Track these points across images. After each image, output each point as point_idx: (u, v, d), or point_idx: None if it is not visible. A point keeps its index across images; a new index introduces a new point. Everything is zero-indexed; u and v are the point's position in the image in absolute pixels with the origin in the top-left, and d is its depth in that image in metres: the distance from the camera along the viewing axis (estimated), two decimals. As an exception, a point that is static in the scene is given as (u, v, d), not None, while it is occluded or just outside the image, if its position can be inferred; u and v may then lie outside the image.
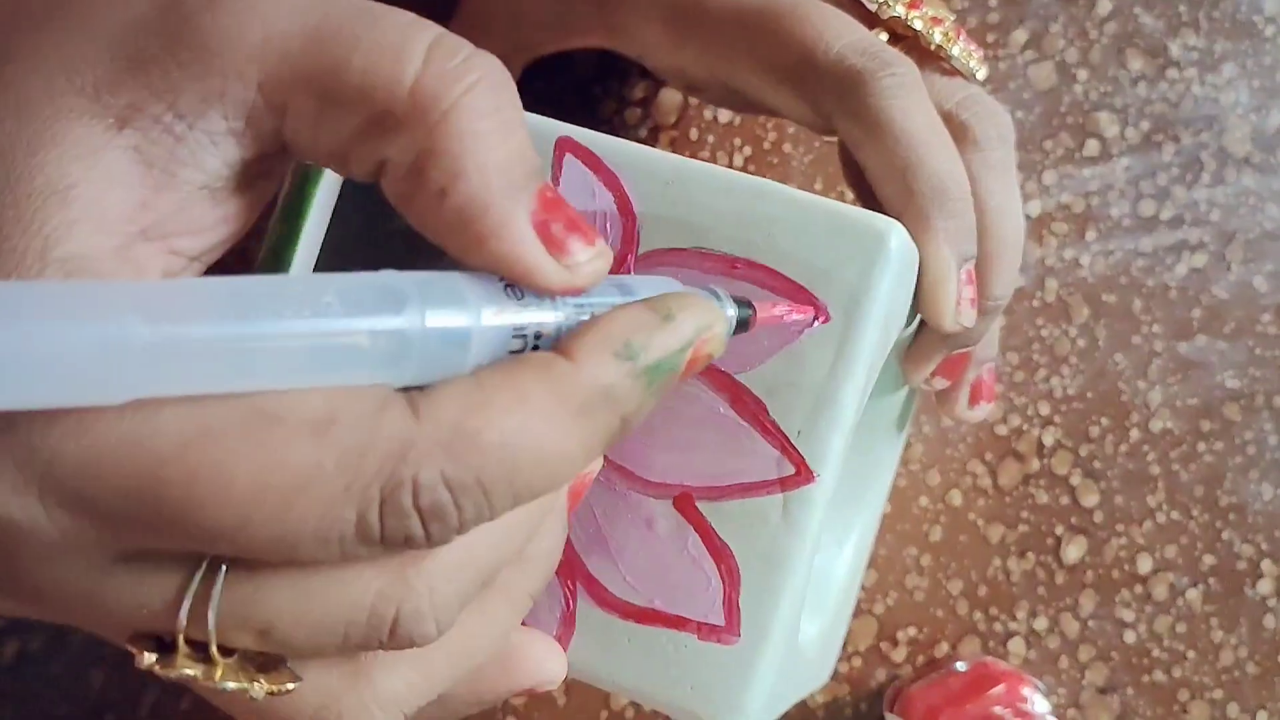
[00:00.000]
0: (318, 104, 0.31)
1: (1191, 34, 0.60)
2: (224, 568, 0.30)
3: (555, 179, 0.41)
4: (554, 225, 0.31)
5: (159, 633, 0.31)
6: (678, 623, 0.40)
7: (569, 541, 0.41)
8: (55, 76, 0.30)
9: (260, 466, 0.28)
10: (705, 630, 0.40)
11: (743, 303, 0.37)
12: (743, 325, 0.37)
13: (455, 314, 0.30)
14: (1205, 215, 0.61)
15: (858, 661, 0.60)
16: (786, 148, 0.60)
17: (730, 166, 0.60)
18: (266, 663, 0.32)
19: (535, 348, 0.32)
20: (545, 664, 0.39)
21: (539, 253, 0.31)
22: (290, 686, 0.32)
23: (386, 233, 0.51)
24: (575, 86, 0.59)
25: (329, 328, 0.28)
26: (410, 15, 0.32)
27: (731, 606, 0.39)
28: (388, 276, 0.30)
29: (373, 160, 0.32)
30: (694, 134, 0.60)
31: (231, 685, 0.31)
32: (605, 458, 0.40)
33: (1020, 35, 0.60)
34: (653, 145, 0.58)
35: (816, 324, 0.39)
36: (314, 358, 0.28)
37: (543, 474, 0.30)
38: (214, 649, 0.31)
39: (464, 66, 0.31)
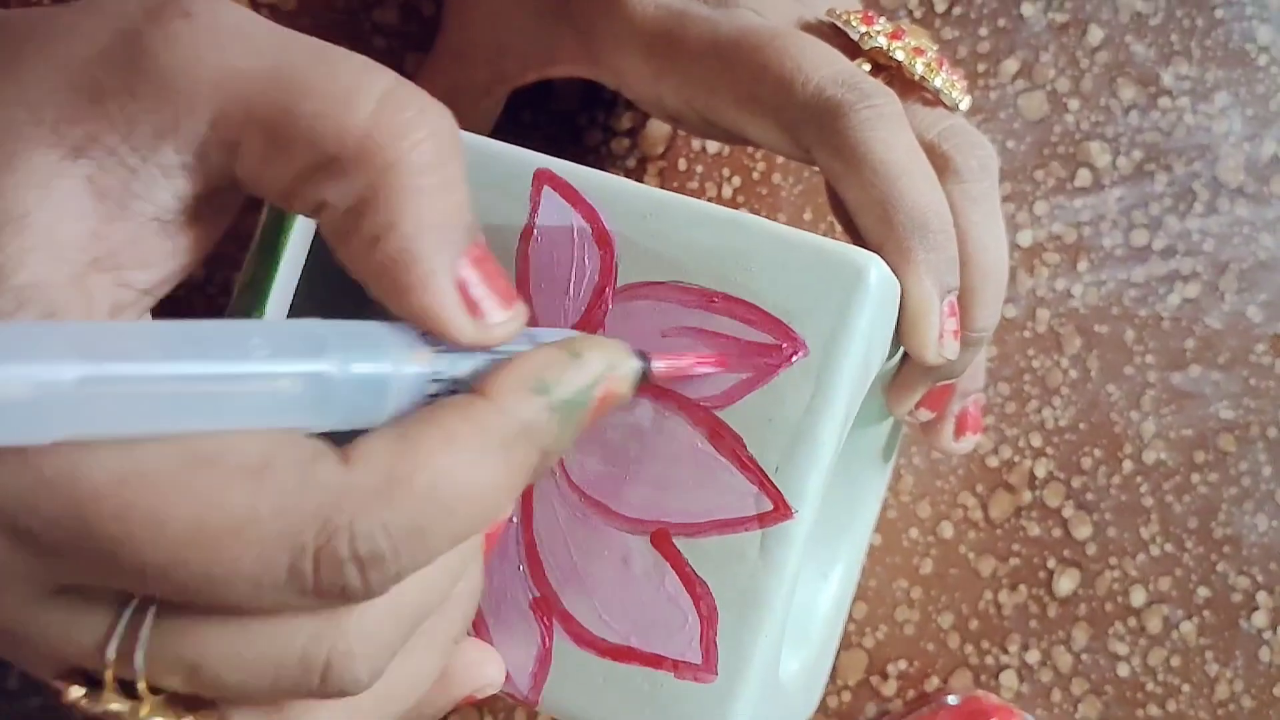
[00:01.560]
0: (267, 144, 0.31)
1: (1184, 63, 0.60)
2: (153, 607, 0.30)
3: (533, 211, 0.41)
4: (475, 286, 0.32)
5: (88, 669, 0.31)
6: (654, 661, 0.39)
7: (545, 578, 0.40)
8: (15, 108, 0.31)
9: (194, 508, 0.28)
10: (682, 669, 0.39)
11: (643, 355, 0.37)
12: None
13: (374, 361, 0.31)
14: (1198, 245, 0.60)
15: (847, 696, 0.60)
16: (776, 178, 0.60)
17: (719, 197, 0.59)
18: (195, 703, 0.31)
19: (453, 391, 0.32)
20: (483, 669, 0.39)
21: (456, 311, 0.31)
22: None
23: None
24: (561, 117, 0.59)
25: (253, 371, 0.29)
26: (365, 61, 0.32)
27: (709, 644, 0.39)
28: (312, 324, 0.30)
29: (315, 200, 0.32)
30: (682, 164, 0.60)
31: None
32: (582, 493, 0.40)
33: (1011, 65, 0.60)
34: (640, 176, 0.58)
35: (795, 359, 0.38)
36: (237, 401, 0.29)
37: (476, 512, 0.31)
38: (141, 685, 0.31)
39: (413, 120, 0.31)
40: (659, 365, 0.38)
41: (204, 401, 0.28)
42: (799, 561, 0.39)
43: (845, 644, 0.59)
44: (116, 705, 0.31)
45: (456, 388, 0.32)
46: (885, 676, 0.60)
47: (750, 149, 0.60)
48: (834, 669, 0.59)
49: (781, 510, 0.39)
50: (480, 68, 0.52)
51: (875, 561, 0.59)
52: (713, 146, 0.60)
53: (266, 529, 0.28)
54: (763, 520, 0.39)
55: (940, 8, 0.59)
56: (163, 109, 0.31)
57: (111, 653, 0.30)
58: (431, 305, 0.31)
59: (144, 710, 0.31)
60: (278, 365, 0.29)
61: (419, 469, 0.30)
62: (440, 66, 0.54)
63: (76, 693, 0.31)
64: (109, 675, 0.30)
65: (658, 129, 0.60)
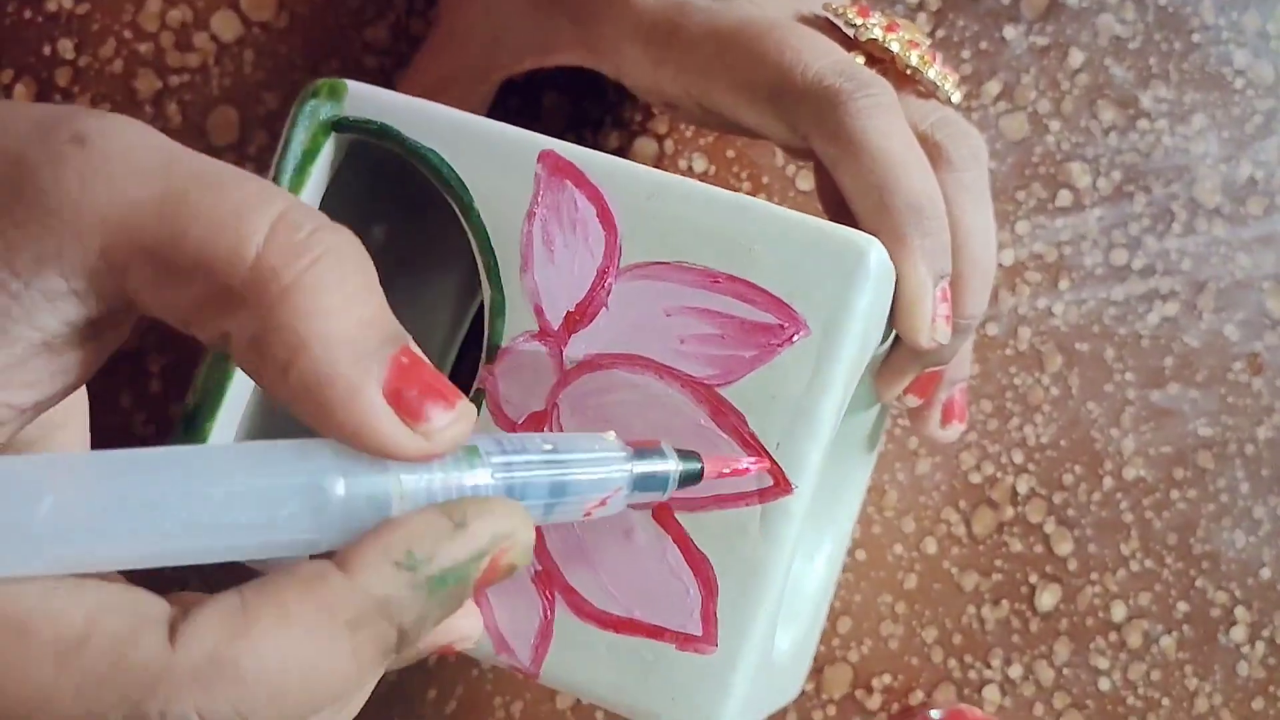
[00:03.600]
0: (158, 274, 0.30)
1: (1162, 85, 0.61)
2: None
3: (538, 191, 0.41)
4: (408, 392, 0.30)
5: None
6: (656, 632, 0.40)
7: (548, 553, 0.41)
8: None
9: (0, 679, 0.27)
10: (683, 640, 0.40)
11: (690, 455, 0.37)
12: (692, 478, 0.37)
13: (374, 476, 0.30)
14: (1177, 264, 0.61)
15: (833, 710, 0.60)
16: (761, 198, 0.60)
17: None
18: None
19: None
20: (459, 622, 0.37)
21: (391, 423, 0.30)
22: None
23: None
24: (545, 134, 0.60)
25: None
26: (259, 185, 0.31)
27: (709, 616, 0.39)
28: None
29: (216, 330, 0.31)
30: (672, 180, 0.61)
31: None
32: None
33: (993, 86, 0.61)
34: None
35: (797, 338, 0.39)
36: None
37: (313, 695, 0.29)
38: None
39: (307, 241, 0.30)
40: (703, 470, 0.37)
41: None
42: (797, 536, 0.40)
43: (830, 658, 0.60)
44: None
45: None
46: (870, 690, 0.60)
47: (735, 169, 0.61)
48: (819, 683, 0.60)
49: (782, 486, 0.39)
50: (475, 56, 0.52)
51: (860, 576, 0.60)
52: (698, 164, 0.61)
53: (68, 712, 0.27)
54: (763, 496, 0.39)
55: (924, 30, 0.61)
56: (45, 235, 0.30)
57: None
58: (361, 422, 0.30)
59: None
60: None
61: (247, 652, 0.28)
62: (435, 54, 0.54)
63: None
64: None
65: (644, 148, 0.61)
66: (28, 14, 0.57)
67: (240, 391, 0.44)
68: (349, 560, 0.30)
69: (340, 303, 0.30)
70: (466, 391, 0.42)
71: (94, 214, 0.30)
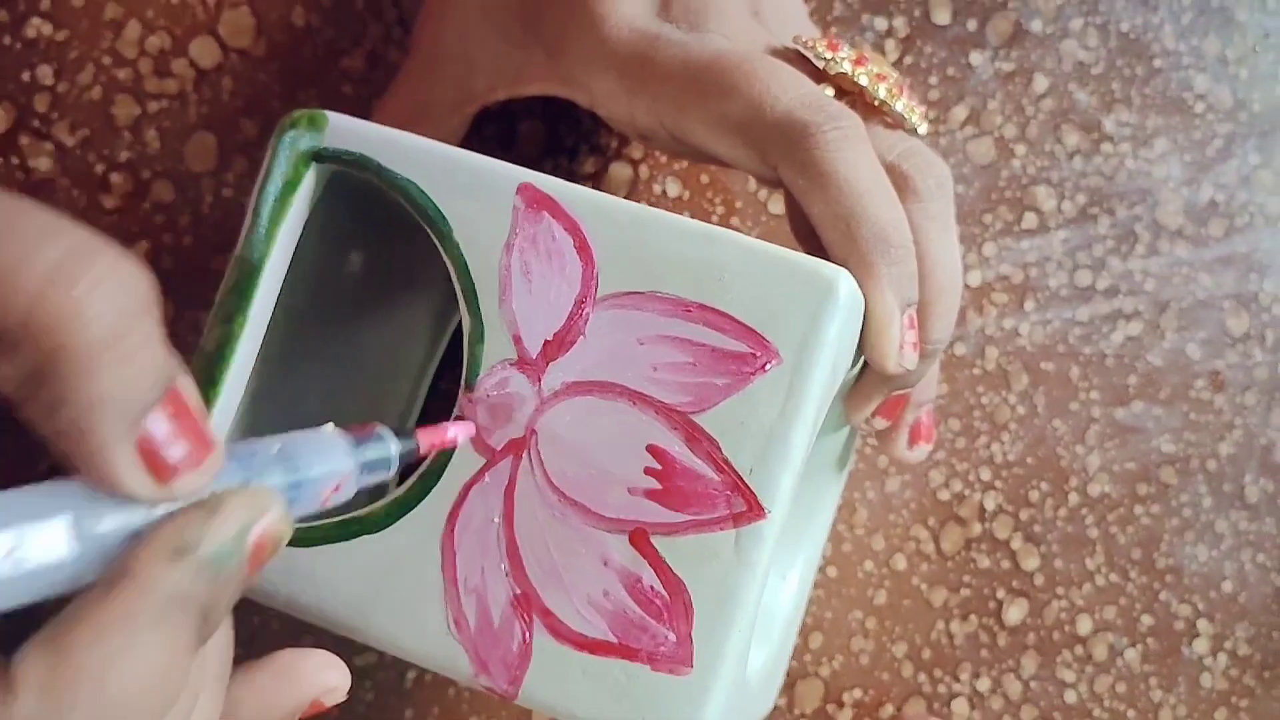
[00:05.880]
0: None
1: (1125, 110, 0.63)
2: None
3: (515, 223, 0.42)
4: (162, 448, 0.31)
5: None
6: (632, 654, 0.41)
7: (526, 576, 0.42)
8: None
9: None
10: (659, 660, 0.41)
11: (407, 434, 0.39)
12: (410, 454, 0.39)
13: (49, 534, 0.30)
14: (1140, 285, 0.63)
15: (805, 723, 0.61)
16: (735, 221, 0.61)
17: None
18: None
19: None
20: (324, 674, 0.39)
21: (134, 476, 0.31)
22: None
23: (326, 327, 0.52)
24: (525, 161, 0.61)
25: None
26: (44, 223, 0.30)
27: (685, 638, 0.40)
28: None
29: None
30: (644, 203, 0.62)
31: None
32: (562, 494, 0.41)
33: (960, 112, 0.62)
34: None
35: (769, 367, 0.40)
36: None
37: (154, 697, 0.30)
38: None
39: (86, 295, 0.29)
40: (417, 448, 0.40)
41: None
42: (770, 559, 0.41)
43: (802, 673, 0.61)
44: None
45: None
46: (841, 705, 0.61)
47: (710, 194, 0.62)
48: (791, 699, 0.60)
49: (755, 510, 0.40)
50: (449, 85, 0.53)
51: (831, 593, 0.61)
52: (672, 189, 0.62)
53: None
54: (737, 520, 0.40)
55: (892, 57, 0.62)
56: None
57: None
58: (108, 475, 0.31)
59: None
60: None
61: (77, 679, 0.29)
62: (409, 83, 0.55)
63: None
64: None
65: (619, 173, 0.62)
66: (6, 40, 0.57)
67: (234, 390, 0.45)
68: (131, 564, 0.31)
69: (113, 360, 0.30)
70: (445, 417, 0.43)
71: None
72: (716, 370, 0.41)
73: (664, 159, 0.61)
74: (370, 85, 0.59)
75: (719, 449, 0.40)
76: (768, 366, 0.40)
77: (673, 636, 0.40)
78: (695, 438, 0.41)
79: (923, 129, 0.47)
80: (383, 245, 0.52)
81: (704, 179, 0.61)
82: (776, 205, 0.61)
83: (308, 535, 0.44)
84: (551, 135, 0.60)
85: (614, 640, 0.41)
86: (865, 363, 0.44)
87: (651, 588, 0.41)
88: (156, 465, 0.31)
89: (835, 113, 0.43)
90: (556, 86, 0.49)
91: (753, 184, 0.61)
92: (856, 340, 0.43)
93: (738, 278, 0.40)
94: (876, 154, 0.44)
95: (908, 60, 0.62)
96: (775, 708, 0.60)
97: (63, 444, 0.30)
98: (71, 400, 0.29)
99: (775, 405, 0.40)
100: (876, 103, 0.46)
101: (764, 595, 0.45)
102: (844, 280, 0.40)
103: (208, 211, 0.58)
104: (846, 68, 0.46)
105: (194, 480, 0.32)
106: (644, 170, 0.61)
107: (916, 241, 0.44)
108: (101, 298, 0.29)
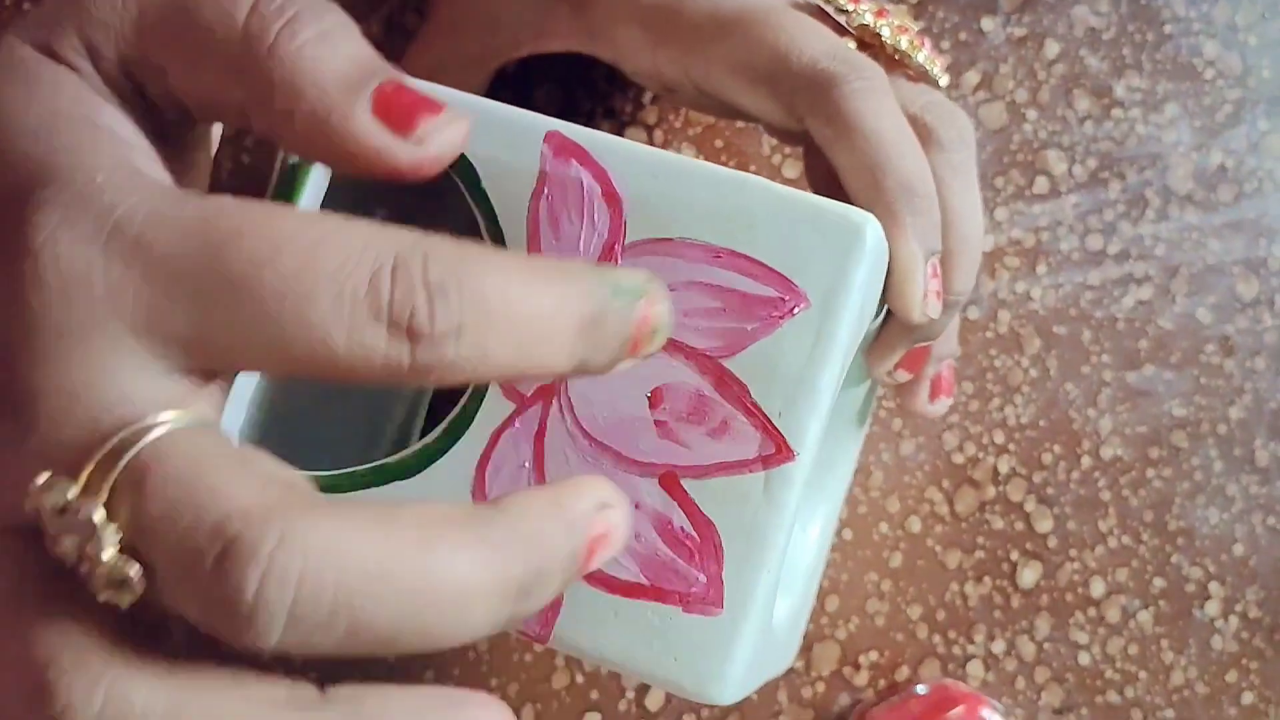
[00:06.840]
0: (184, 60, 0.35)
1: (1135, 75, 0.63)
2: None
3: (544, 172, 0.42)
4: (397, 108, 0.34)
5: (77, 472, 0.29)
6: (664, 596, 0.41)
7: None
8: None
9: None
10: (690, 602, 0.41)
11: None
12: None
13: None
14: (1150, 250, 0.63)
15: (821, 686, 0.61)
16: (748, 186, 0.62)
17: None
18: (131, 555, 0.29)
19: None
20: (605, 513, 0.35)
21: (383, 138, 0.34)
22: (130, 573, 0.28)
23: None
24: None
25: None
26: None
27: (715, 578, 0.41)
28: None
29: (235, 102, 0.35)
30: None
31: (97, 517, 0.28)
32: (592, 439, 0.42)
33: (972, 77, 0.63)
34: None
35: (797, 311, 0.40)
36: None
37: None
38: (110, 483, 0.29)
39: (282, 6, 0.34)
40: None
41: None
42: (798, 502, 0.41)
43: (819, 636, 0.61)
44: (74, 494, 0.29)
45: None
46: (857, 667, 0.62)
47: (723, 158, 0.62)
48: (808, 661, 0.61)
49: (784, 453, 0.41)
50: (472, 40, 0.53)
51: (847, 556, 0.61)
52: (687, 153, 0.62)
53: (349, 247, 0.30)
54: (766, 462, 0.41)
55: (905, 23, 0.62)
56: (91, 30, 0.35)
57: (162, 419, 0.29)
58: (356, 142, 0.34)
59: (97, 505, 0.28)
60: None
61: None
62: (432, 39, 0.55)
63: (44, 480, 0.29)
64: (90, 468, 0.29)
65: (634, 137, 0.62)
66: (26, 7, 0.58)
67: (242, 393, 0.45)
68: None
69: (323, 50, 0.34)
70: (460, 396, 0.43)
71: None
72: (745, 315, 0.41)
73: (678, 124, 0.62)
74: (388, 51, 0.59)
75: (748, 393, 0.41)
76: (796, 310, 0.41)
77: (703, 578, 0.41)
78: (725, 381, 0.41)
79: (944, 81, 0.48)
80: (406, 201, 0.52)
81: (718, 143, 0.62)
82: (790, 169, 0.62)
83: (338, 483, 0.44)
84: (568, 100, 0.61)
85: (646, 583, 0.41)
86: (888, 314, 0.45)
87: (682, 529, 0.41)
88: (395, 117, 0.34)
89: (860, 64, 0.44)
90: (580, 41, 0.50)
91: (767, 148, 0.62)
92: (881, 287, 0.43)
93: (766, 224, 0.41)
94: (899, 105, 0.45)
95: (920, 25, 0.62)
96: (792, 670, 0.60)
97: (316, 146, 0.34)
98: (301, 90, 0.33)
99: (804, 349, 0.40)
100: (898, 55, 0.47)
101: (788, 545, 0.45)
102: (871, 225, 0.41)
103: (227, 179, 0.59)
104: (869, 20, 0.46)
105: (441, 132, 0.34)
106: (658, 135, 0.62)
107: (939, 193, 0.45)
108: (307, 8, 0.34)
